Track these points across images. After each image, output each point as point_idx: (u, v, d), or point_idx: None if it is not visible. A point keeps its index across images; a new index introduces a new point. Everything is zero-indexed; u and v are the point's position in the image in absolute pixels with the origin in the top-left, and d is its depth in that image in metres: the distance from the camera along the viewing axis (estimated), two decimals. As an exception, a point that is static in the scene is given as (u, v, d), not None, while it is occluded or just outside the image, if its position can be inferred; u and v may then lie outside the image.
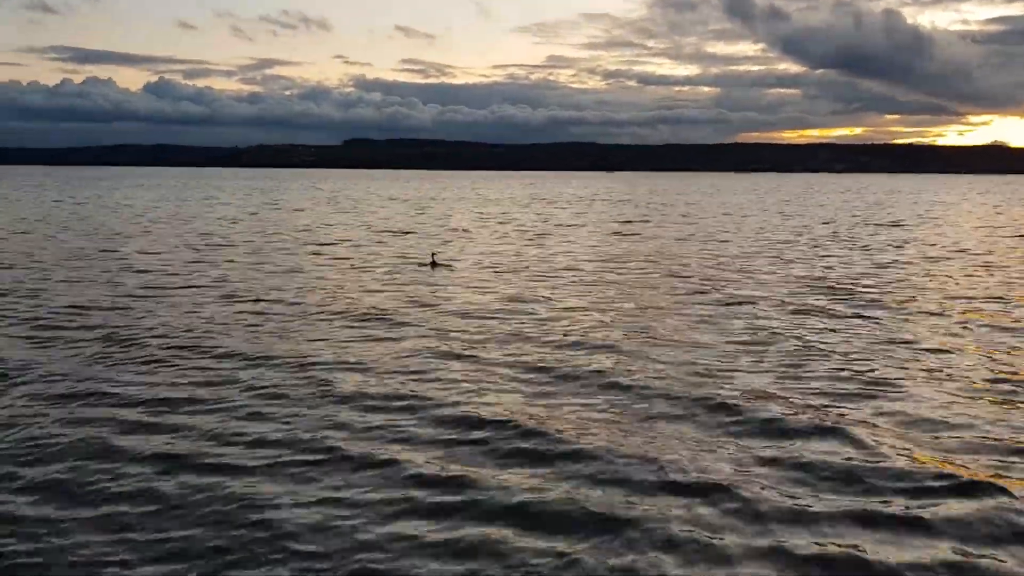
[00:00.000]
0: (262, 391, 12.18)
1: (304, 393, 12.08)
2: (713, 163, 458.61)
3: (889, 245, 35.62)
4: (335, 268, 26.98)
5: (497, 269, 27.03)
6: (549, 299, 20.59)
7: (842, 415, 11.18)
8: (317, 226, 45.22)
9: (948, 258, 30.76)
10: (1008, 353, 14.81)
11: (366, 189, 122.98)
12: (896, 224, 50.05)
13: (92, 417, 11.02)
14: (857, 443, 10.04)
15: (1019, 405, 11.67)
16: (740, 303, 20.03)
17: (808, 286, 22.96)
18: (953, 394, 12.19)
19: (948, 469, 9.32)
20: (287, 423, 10.81)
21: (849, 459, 9.54)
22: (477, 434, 10.37)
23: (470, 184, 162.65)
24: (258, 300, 19.98)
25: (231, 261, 28.29)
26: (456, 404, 11.62)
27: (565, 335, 16.10)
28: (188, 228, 42.88)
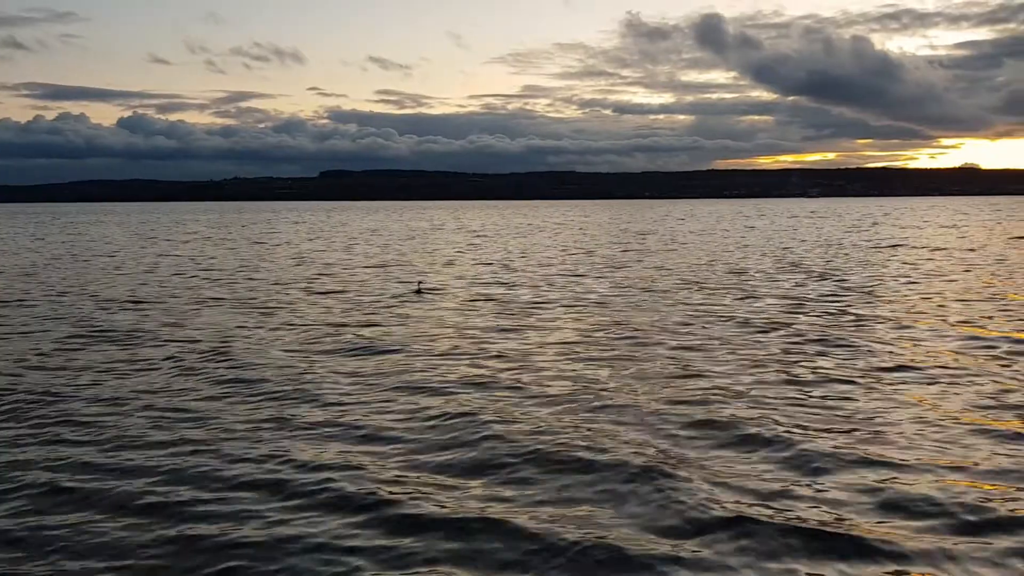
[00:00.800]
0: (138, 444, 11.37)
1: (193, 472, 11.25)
2: (690, 190, 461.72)
3: (857, 268, 35.27)
4: (318, 301, 26.37)
5: (476, 299, 27.14)
6: (520, 336, 19.98)
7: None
8: (298, 257, 44.49)
9: (910, 281, 30.37)
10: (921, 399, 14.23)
11: (344, 220, 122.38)
12: (875, 246, 49.93)
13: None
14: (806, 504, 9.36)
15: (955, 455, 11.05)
16: (696, 345, 19.43)
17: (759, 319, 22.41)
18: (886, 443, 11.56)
19: (880, 538, 8.64)
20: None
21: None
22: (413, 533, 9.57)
23: (450, 214, 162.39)
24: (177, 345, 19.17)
25: (213, 300, 27.44)
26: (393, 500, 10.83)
27: (526, 384, 15.35)
28: (154, 264, 41.99)
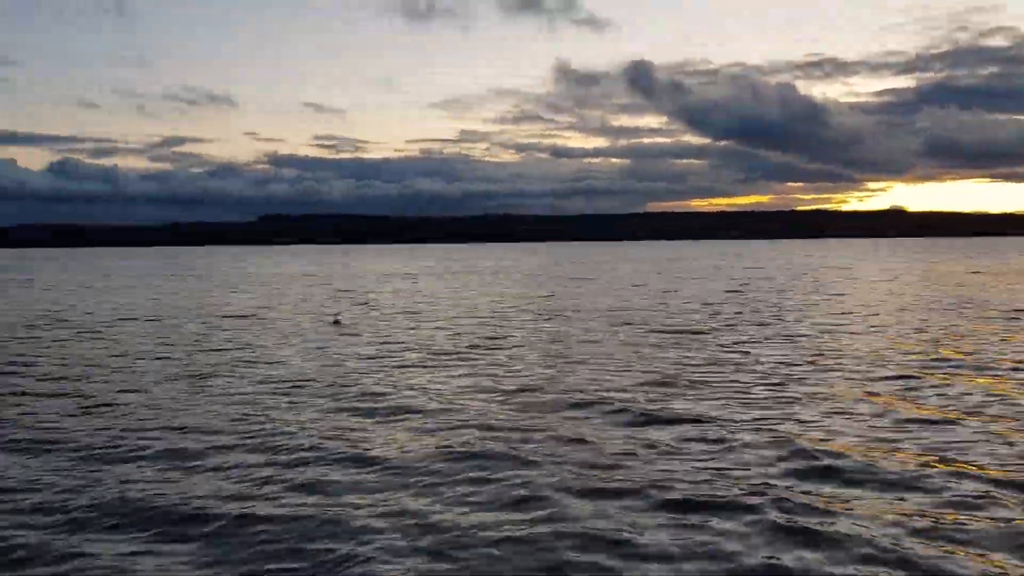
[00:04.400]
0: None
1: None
2: (627, 232, 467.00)
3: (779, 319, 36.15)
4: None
5: (387, 339, 27.69)
6: (422, 381, 20.00)
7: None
8: (225, 301, 43.74)
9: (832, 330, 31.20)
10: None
11: (279, 264, 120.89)
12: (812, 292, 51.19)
13: None
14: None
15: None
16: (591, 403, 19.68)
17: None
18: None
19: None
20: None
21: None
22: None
23: (385, 258, 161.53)
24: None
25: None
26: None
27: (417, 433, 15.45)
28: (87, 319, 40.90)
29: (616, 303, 42.43)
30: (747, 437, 13.76)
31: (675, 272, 80.00)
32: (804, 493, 11.02)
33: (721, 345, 25.22)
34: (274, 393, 18.43)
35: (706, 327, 30.21)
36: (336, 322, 32.53)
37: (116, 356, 24.86)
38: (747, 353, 23.38)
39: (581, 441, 13.72)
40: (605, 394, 17.60)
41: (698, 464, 12.38)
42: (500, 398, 17.40)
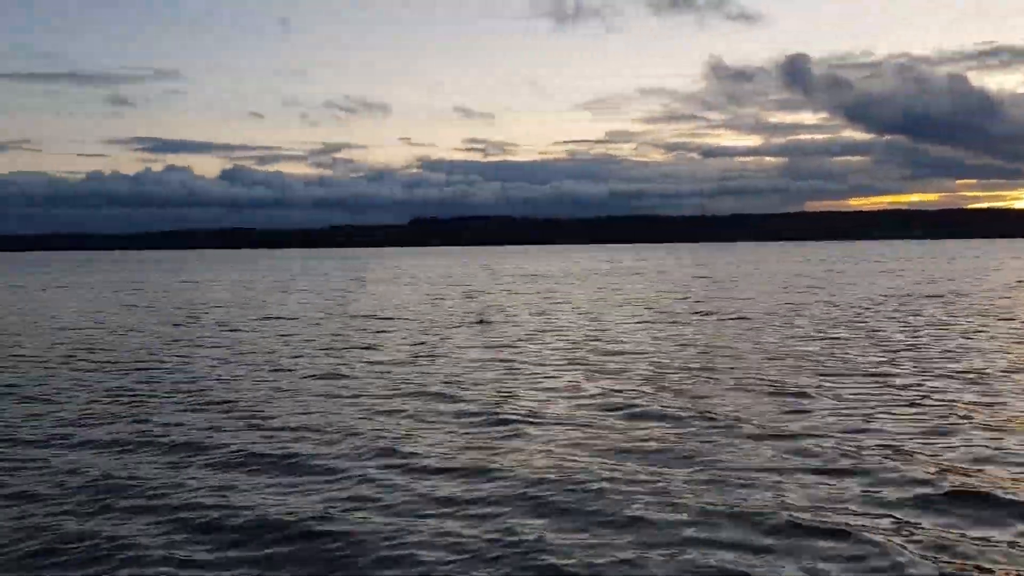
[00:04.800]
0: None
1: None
2: (782, 232, 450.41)
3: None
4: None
5: (524, 340, 27.51)
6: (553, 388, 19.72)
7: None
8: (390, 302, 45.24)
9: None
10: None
11: (428, 266, 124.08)
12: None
13: None
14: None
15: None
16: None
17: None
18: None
19: None
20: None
21: None
22: None
23: (531, 259, 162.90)
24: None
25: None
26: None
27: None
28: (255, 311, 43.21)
29: (758, 307, 40.74)
30: (882, 459, 12.67)
31: (828, 274, 76.29)
32: (941, 527, 9.97)
33: (865, 355, 23.61)
34: (394, 396, 18.59)
35: (852, 335, 28.45)
36: (482, 322, 33.72)
37: (249, 355, 25.92)
38: (894, 365, 21.77)
39: (697, 458, 13.03)
40: (731, 407, 16.72)
41: (824, 488, 11.46)
42: (623, 410, 16.78)
